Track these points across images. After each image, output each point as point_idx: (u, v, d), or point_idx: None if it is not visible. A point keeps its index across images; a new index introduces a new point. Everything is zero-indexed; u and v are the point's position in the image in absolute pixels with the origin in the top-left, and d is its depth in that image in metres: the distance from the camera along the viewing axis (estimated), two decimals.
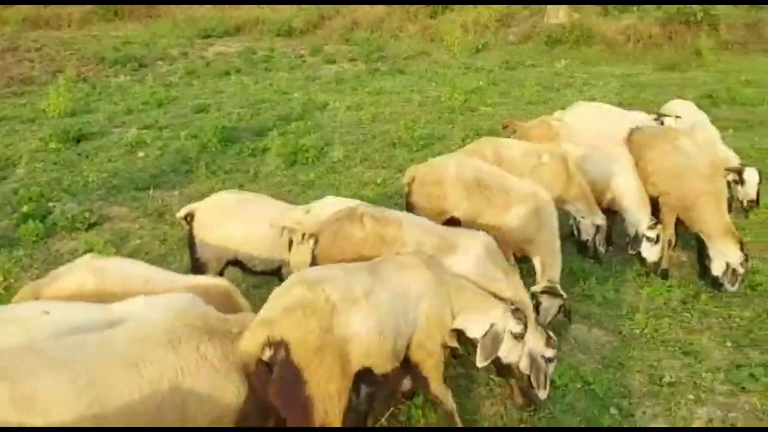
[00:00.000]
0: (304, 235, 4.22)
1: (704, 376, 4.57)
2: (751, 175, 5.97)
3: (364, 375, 3.34)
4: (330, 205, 4.72)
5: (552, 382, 4.31)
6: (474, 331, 3.70)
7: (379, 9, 19.26)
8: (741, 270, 5.42)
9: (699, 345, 4.91)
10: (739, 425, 4.11)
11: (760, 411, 4.24)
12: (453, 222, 5.31)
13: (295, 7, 20.48)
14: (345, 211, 4.29)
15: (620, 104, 12.08)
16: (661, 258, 5.87)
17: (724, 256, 5.44)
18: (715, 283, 5.52)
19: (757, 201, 6.09)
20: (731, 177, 5.92)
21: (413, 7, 19.20)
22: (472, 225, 5.20)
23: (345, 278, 3.33)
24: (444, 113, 11.34)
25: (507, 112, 11.54)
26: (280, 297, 3.23)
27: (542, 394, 3.92)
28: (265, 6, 20.90)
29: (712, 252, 5.52)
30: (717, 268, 5.46)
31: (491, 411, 4.24)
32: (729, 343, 4.94)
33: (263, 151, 9.10)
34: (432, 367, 3.66)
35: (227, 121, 10.54)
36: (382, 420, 4.05)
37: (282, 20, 19.95)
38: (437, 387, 3.74)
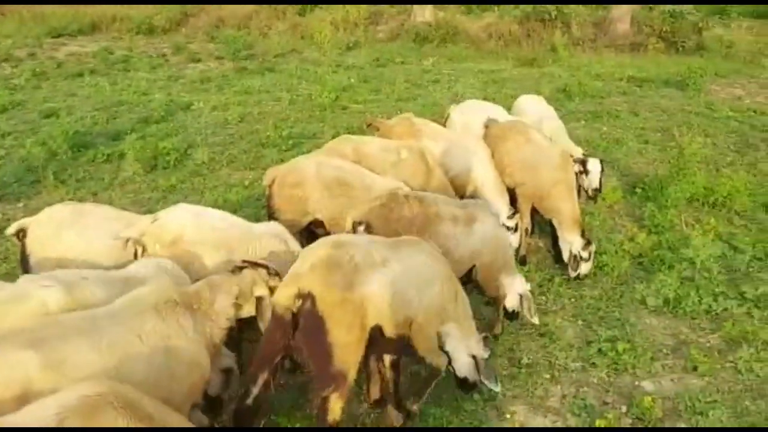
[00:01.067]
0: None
1: (558, 355, 4.85)
2: (594, 166, 6.40)
3: (379, 339, 3.65)
4: (180, 213, 4.51)
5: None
6: (458, 359, 3.93)
7: (247, 6, 18.83)
8: (584, 255, 5.78)
9: (554, 325, 5.20)
10: (590, 399, 4.38)
11: (607, 383, 4.56)
12: (316, 224, 5.27)
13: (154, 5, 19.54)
14: (386, 195, 4.75)
15: (485, 99, 12.63)
16: (519, 245, 6.18)
17: (570, 244, 5.80)
18: (566, 267, 5.88)
19: (600, 188, 6.54)
20: (577, 168, 6.32)
21: (281, 6, 18.94)
22: (336, 226, 5.19)
23: (368, 245, 3.74)
24: (314, 111, 11.26)
25: (378, 109, 11.65)
26: (309, 255, 3.66)
27: (496, 387, 4.05)
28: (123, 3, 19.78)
29: (560, 240, 5.88)
30: (565, 255, 5.82)
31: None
32: (580, 322, 5.27)
33: (120, 157, 8.59)
34: (428, 349, 3.91)
35: (80, 125, 9.84)
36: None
37: (142, 18, 18.96)
38: (433, 358, 3.98)
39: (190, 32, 18.81)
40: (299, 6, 18.79)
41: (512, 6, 17.56)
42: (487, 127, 6.63)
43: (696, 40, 15.19)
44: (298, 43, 17.63)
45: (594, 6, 16.92)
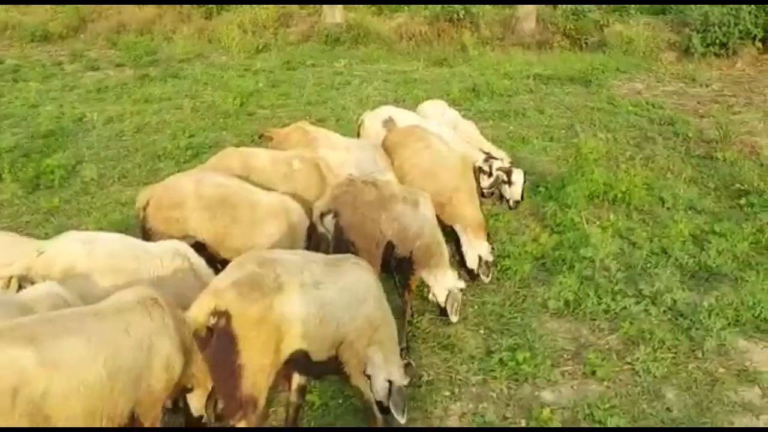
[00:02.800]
0: (322, 214, 4.60)
1: (459, 369, 4.68)
2: (518, 176, 6.32)
3: (298, 361, 3.54)
4: (68, 243, 4.04)
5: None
6: (376, 383, 3.81)
7: (149, 10, 17.96)
8: (490, 258, 5.68)
9: (456, 337, 5.03)
10: (489, 415, 4.22)
11: (507, 396, 4.41)
12: (199, 247, 4.90)
13: (50, 10, 18.37)
14: (345, 182, 4.76)
15: (395, 101, 12.48)
16: None
17: (477, 249, 5.65)
18: (471, 275, 5.72)
19: (522, 199, 6.50)
20: (502, 177, 6.24)
21: (186, 8, 18.19)
22: (220, 248, 4.84)
23: (299, 263, 3.60)
24: (218, 119, 10.78)
25: (286, 114, 11.29)
26: (232, 270, 3.53)
27: (402, 419, 3.88)
28: (12, 8, 18.50)
29: (465, 246, 5.72)
30: (471, 262, 5.66)
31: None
32: (482, 331, 5.13)
33: None
34: (355, 366, 3.79)
35: None
36: None
37: (35, 24, 17.78)
38: (358, 379, 3.84)
39: (89, 38, 17.77)
40: (205, 9, 18.09)
41: (422, 6, 17.49)
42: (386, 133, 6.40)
43: (598, 37, 15.53)
44: (204, 47, 16.96)
45: (501, 5, 17.07)
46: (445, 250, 5.08)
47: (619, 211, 7.09)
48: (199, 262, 4.27)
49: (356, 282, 3.77)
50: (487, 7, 16.80)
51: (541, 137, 9.81)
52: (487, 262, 5.66)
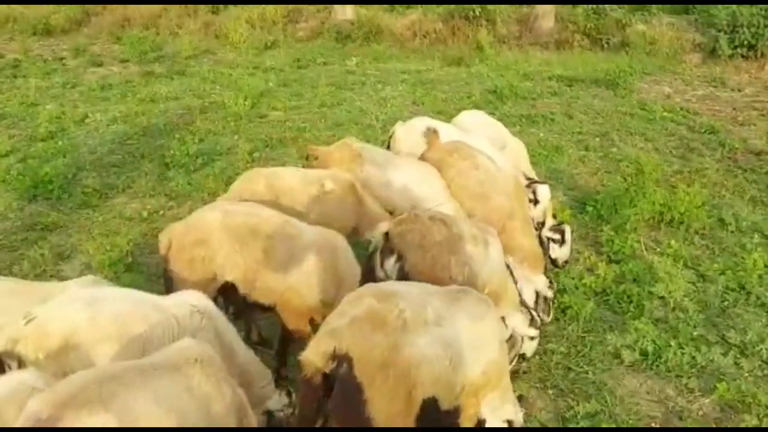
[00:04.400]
0: (383, 256, 3.84)
1: None
2: (544, 194, 5.42)
3: (432, 412, 2.97)
4: (66, 305, 3.14)
5: None
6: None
7: (155, 4, 16.99)
8: (550, 294, 4.82)
9: (520, 395, 4.17)
10: None
11: None
12: (226, 289, 4.04)
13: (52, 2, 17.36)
14: (409, 219, 3.96)
15: (414, 102, 11.59)
16: None
17: (533, 283, 4.79)
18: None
19: (544, 222, 5.58)
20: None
21: (192, 4, 17.22)
22: (251, 288, 3.99)
23: (420, 296, 3.09)
24: (229, 121, 9.87)
25: (299, 117, 10.39)
26: (349, 306, 3.03)
27: None
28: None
29: (520, 281, 4.83)
30: (528, 298, 4.79)
31: None
32: (550, 390, 4.27)
33: None
34: (471, 416, 3.20)
35: None
36: None
37: (38, 17, 16.78)
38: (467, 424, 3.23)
39: (92, 33, 16.79)
40: (212, 4, 17.13)
41: (435, 4, 16.56)
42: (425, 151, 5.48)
43: (620, 37, 14.64)
44: (211, 43, 16.01)
45: (518, 3, 16.14)
46: (515, 292, 4.22)
47: (679, 236, 6.23)
48: (221, 319, 3.41)
49: (480, 321, 3.18)
50: (504, 6, 15.87)
51: (575, 146, 8.93)
52: (545, 299, 4.81)
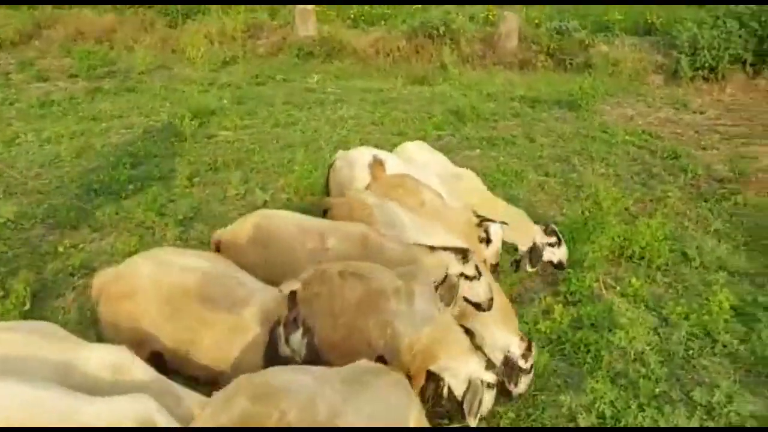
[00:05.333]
0: (286, 330, 3.13)
1: None
2: (496, 233, 4.86)
3: None
4: None
5: None
6: None
7: (109, 17, 16.21)
8: (525, 365, 4.12)
9: None
10: None
11: None
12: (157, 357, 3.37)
13: (2, 14, 16.47)
14: (314, 278, 3.32)
15: (373, 123, 11.06)
16: None
17: (505, 346, 4.12)
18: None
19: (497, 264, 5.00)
20: (481, 234, 4.76)
21: (148, 16, 16.49)
22: (184, 362, 3.33)
23: (312, 388, 2.50)
24: (172, 142, 9.20)
25: (249, 137, 9.78)
26: (216, 409, 2.44)
27: None
28: None
29: (486, 340, 4.20)
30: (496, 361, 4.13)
31: None
32: None
33: None
34: None
35: None
36: None
37: None
38: None
39: (43, 46, 15.93)
40: (169, 17, 16.43)
41: (400, 21, 16.13)
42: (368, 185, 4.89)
43: (583, 58, 14.35)
44: (168, 58, 15.28)
45: (482, 22, 15.79)
46: (462, 336, 3.60)
47: (640, 272, 5.76)
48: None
49: (389, 407, 2.61)
50: (468, 23, 15.50)
51: (535, 171, 8.47)
52: (515, 366, 4.10)
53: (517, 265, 5.47)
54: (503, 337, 4.03)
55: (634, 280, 5.47)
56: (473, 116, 10.79)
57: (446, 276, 3.80)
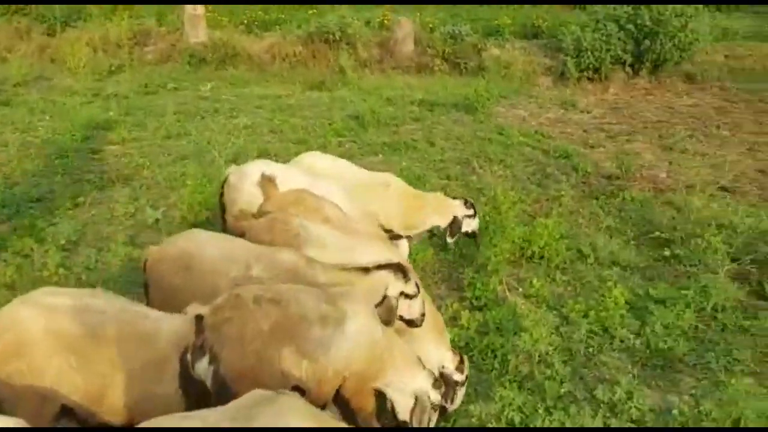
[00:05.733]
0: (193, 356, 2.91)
1: None
2: (404, 249, 4.79)
3: None
4: None
5: None
6: None
7: None
8: (459, 377, 3.96)
9: None
10: None
11: None
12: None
13: None
14: (227, 305, 3.06)
15: (271, 131, 10.76)
16: None
17: (438, 361, 3.96)
18: None
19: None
20: None
21: (24, 23, 15.30)
22: (99, 409, 2.96)
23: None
24: (53, 159, 8.50)
25: (139, 150, 9.21)
26: None
27: None
28: None
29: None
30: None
31: None
32: None
33: None
34: None
35: None
36: None
37: None
38: None
39: None
40: (47, 24, 15.30)
41: (295, 25, 15.87)
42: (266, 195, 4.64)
43: (477, 61, 14.72)
44: (46, 68, 14.24)
45: (377, 27, 15.84)
46: (408, 350, 3.45)
47: (540, 271, 5.89)
48: None
49: None
50: (365, 28, 15.51)
51: (437, 174, 8.53)
52: (456, 382, 3.92)
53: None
54: (437, 353, 3.92)
55: (535, 280, 5.58)
56: (374, 121, 10.74)
57: (384, 297, 3.64)
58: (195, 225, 6.72)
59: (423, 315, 3.78)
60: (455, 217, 5.30)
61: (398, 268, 3.67)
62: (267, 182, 4.63)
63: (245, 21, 16.30)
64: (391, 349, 3.34)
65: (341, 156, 9.02)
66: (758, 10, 21.46)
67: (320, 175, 4.95)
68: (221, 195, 4.98)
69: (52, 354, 2.89)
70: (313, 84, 13.86)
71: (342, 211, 4.42)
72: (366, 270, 3.62)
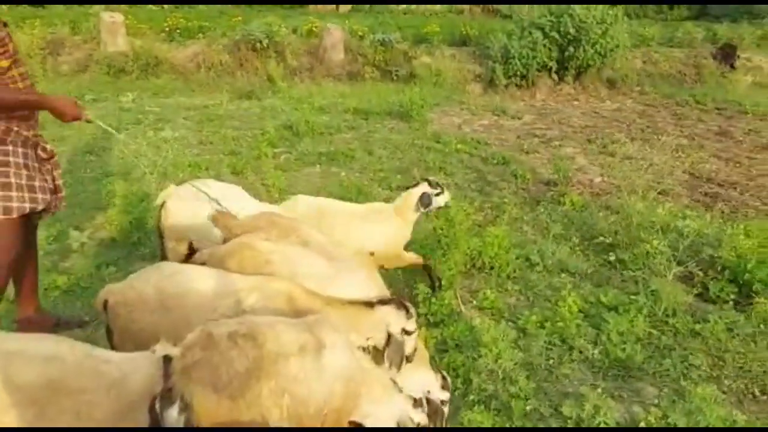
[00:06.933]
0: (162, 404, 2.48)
1: None
2: None
3: None
4: None
5: None
6: None
7: None
8: (443, 396, 3.66)
9: None
10: None
11: None
12: None
13: None
14: (198, 343, 2.68)
15: (201, 143, 10.24)
16: None
17: (424, 385, 3.68)
18: None
19: None
20: None
21: None
22: None
23: None
24: None
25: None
26: None
27: None
28: None
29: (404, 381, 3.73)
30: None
31: None
32: None
33: None
34: None
35: None
36: None
37: None
38: None
39: None
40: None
41: (220, 33, 15.33)
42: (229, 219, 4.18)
43: (408, 69, 14.68)
44: None
45: (306, 35, 15.52)
46: (383, 375, 3.16)
47: (492, 282, 5.77)
48: None
49: None
50: (293, 36, 15.17)
51: (378, 185, 8.32)
52: (442, 402, 3.54)
53: None
54: (420, 377, 3.64)
55: (488, 291, 5.45)
56: (308, 131, 10.45)
57: (389, 335, 3.33)
58: (126, 248, 6.23)
59: (416, 350, 3.51)
60: (424, 193, 5.19)
61: (400, 304, 3.39)
62: (221, 216, 4.23)
63: (167, 28, 15.59)
64: (366, 377, 3.09)
65: (276, 168, 8.73)
66: (665, 17, 22.65)
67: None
68: (158, 220, 4.55)
69: (7, 408, 2.48)
70: (242, 93, 13.41)
71: (321, 234, 4.09)
72: (370, 305, 3.33)
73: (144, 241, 6.54)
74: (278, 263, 3.57)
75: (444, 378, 3.64)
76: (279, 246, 3.72)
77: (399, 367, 3.30)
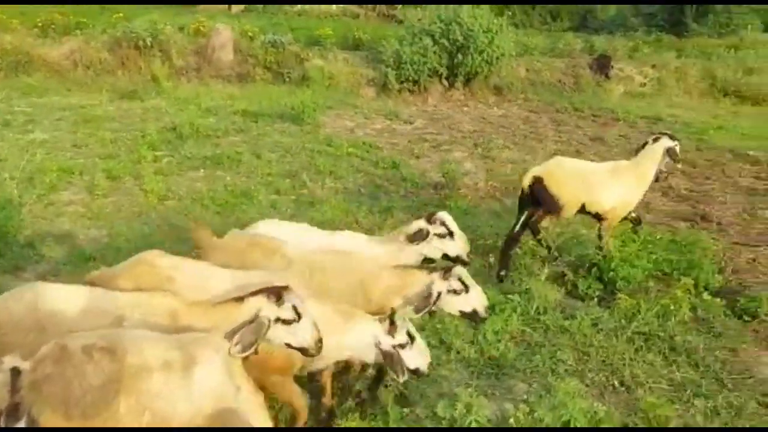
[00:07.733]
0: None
1: None
2: (449, 220, 4.66)
3: None
4: None
5: None
6: None
7: None
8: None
9: None
10: None
11: None
12: None
13: None
14: (51, 350, 2.55)
15: (75, 146, 9.62)
16: None
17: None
18: None
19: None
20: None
21: None
22: None
23: None
24: None
25: None
26: None
27: None
28: None
29: None
30: None
31: None
32: None
33: None
34: None
35: None
36: None
37: None
38: None
39: None
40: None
41: (99, 30, 14.49)
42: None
43: (300, 71, 14.55)
44: None
45: (193, 34, 14.99)
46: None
47: None
48: None
49: None
50: (179, 35, 14.63)
51: (265, 189, 8.17)
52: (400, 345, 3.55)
53: None
54: (361, 329, 3.51)
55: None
56: (193, 133, 10.12)
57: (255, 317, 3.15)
58: None
59: (319, 341, 3.30)
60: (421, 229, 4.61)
61: (272, 292, 3.22)
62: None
63: (40, 24, 14.53)
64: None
65: (157, 173, 8.37)
66: (549, 27, 23.96)
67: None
68: None
69: None
70: (123, 93, 12.75)
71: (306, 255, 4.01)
72: (240, 299, 3.20)
73: (4, 252, 6.05)
74: (181, 280, 3.46)
75: (392, 323, 3.56)
76: (185, 262, 3.62)
77: (249, 348, 3.12)
